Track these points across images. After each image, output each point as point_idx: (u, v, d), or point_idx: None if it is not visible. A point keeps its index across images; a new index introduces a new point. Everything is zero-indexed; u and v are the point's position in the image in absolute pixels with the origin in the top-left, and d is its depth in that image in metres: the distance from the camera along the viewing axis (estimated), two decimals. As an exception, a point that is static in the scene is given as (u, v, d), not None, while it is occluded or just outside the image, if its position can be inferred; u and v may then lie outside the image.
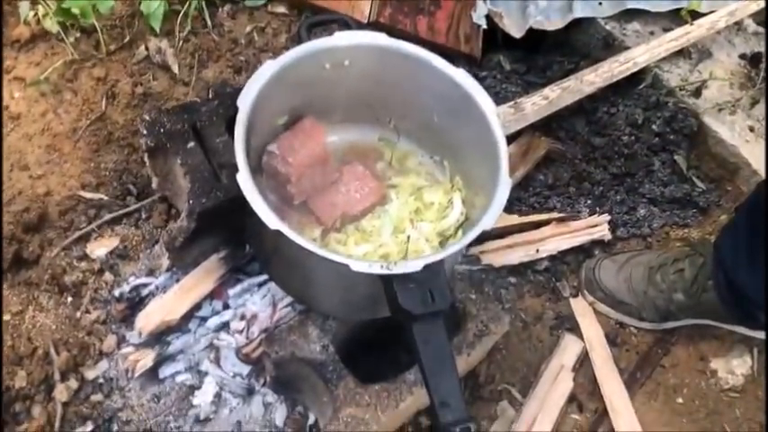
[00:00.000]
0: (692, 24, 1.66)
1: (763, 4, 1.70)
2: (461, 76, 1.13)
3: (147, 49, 1.59)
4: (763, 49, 1.72)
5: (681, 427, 1.38)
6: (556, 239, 1.54)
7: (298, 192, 1.18)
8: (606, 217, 1.59)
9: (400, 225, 1.17)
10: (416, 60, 1.15)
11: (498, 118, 1.11)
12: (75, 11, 1.51)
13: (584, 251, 1.57)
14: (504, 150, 1.08)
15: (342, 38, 1.12)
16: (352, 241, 1.15)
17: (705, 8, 1.71)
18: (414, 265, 0.94)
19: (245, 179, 0.95)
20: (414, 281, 0.94)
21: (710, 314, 1.42)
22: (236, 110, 1.05)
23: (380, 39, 1.13)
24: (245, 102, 1.03)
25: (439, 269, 0.96)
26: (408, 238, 1.13)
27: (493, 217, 1.02)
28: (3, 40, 1.53)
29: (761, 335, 1.44)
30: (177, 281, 1.30)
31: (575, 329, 1.47)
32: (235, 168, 0.99)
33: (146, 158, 1.32)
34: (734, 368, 1.44)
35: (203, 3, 1.62)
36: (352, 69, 1.16)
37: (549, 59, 1.80)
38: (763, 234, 1.22)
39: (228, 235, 1.29)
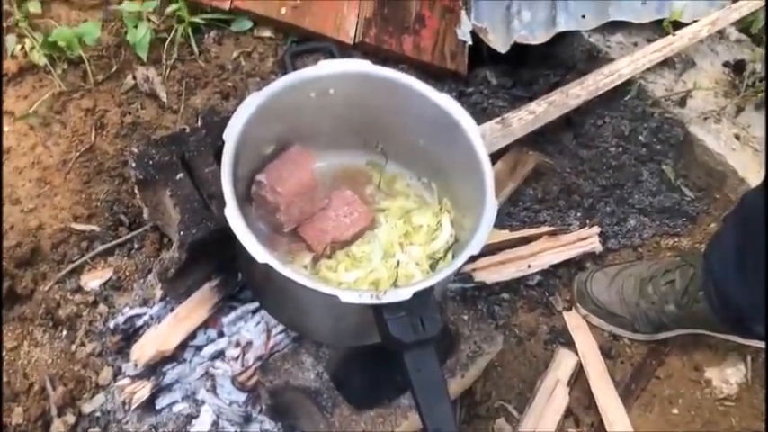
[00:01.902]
0: (674, 35, 1.68)
1: (744, 12, 1.71)
2: (445, 100, 1.14)
3: (134, 78, 1.59)
4: (746, 56, 1.73)
5: (677, 437, 1.39)
6: (547, 254, 1.55)
7: (287, 220, 1.18)
8: (596, 229, 1.60)
9: (390, 249, 1.18)
10: (400, 86, 1.16)
11: (483, 140, 1.12)
12: (62, 43, 1.52)
13: (576, 264, 1.58)
14: (489, 173, 1.09)
15: (326, 67, 1.13)
16: (343, 267, 1.15)
17: (687, 18, 1.73)
18: (403, 294, 0.95)
19: (232, 214, 0.96)
20: (403, 309, 0.95)
21: (703, 324, 1.43)
22: (223, 142, 1.06)
23: (364, 66, 1.14)
24: (231, 135, 1.04)
25: (428, 296, 0.97)
26: (398, 262, 1.14)
27: (480, 241, 1.03)
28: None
29: (754, 343, 1.45)
30: (171, 310, 1.31)
31: (569, 343, 1.47)
32: (224, 199, 1.00)
33: (136, 190, 1.32)
34: (728, 377, 1.45)
35: (189, 30, 1.62)
36: (337, 97, 1.17)
37: (534, 73, 1.82)
38: (757, 244, 1.22)
39: (220, 263, 1.30)
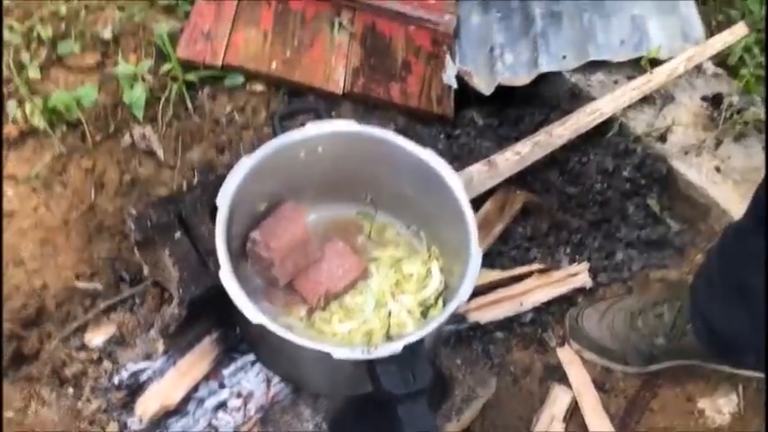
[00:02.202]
0: (652, 72, 1.73)
1: (718, 48, 1.77)
2: (426, 154, 1.19)
3: (131, 136, 1.64)
4: (724, 89, 1.78)
5: (673, 469, 1.41)
6: (539, 291, 1.59)
7: (282, 274, 1.23)
8: (586, 264, 1.64)
9: (382, 299, 1.22)
10: (384, 142, 1.21)
11: (469, 185, 1.17)
12: (61, 107, 1.58)
13: (567, 300, 1.61)
14: (472, 223, 1.14)
15: (313, 128, 1.18)
16: (337, 319, 1.19)
17: (664, 55, 1.78)
18: (393, 348, 0.99)
19: (227, 276, 1.01)
20: (395, 362, 0.98)
21: (692, 355, 1.46)
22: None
23: (349, 125, 1.20)
24: (224, 198, 1.09)
25: (419, 348, 1.01)
26: (390, 313, 1.18)
27: (467, 291, 1.07)
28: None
29: (745, 372, 1.48)
30: (174, 364, 1.34)
31: (563, 379, 1.51)
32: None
33: (136, 250, 1.37)
34: (721, 407, 1.48)
35: (183, 87, 1.68)
36: (325, 154, 1.22)
37: (520, 112, 1.87)
38: (740, 277, 1.25)
39: (220, 317, 1.33)
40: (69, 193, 1.57)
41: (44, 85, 1.65)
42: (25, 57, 1.65)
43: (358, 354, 0.97)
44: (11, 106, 1.60)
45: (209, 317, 1.32)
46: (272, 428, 1.15)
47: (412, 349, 1.00)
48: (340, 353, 0.97)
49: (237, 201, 1.11)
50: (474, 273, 1.09)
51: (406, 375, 0.98)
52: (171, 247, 1.28)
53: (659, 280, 1.66)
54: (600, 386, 1.50)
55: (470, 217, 1.14)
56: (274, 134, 1.19)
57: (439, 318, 1.06)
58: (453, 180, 1.17)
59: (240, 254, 1.24)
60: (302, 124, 1.20)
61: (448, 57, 1.88)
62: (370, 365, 0.98)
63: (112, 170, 1.61)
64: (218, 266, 1.05)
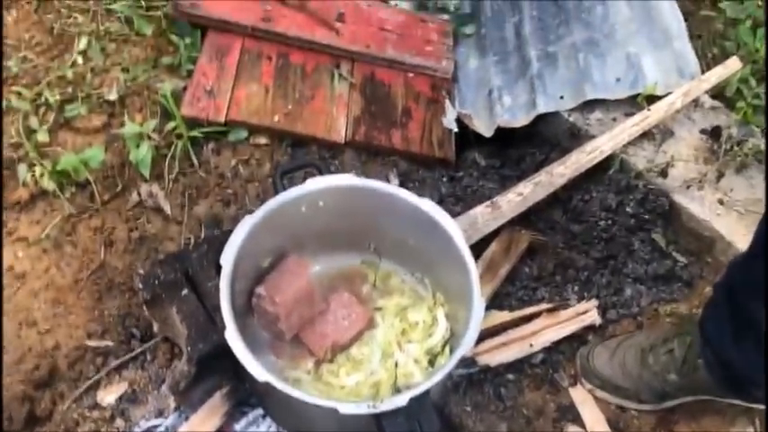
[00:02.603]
0: (649, 109, 1.75)
1: (714, 81, 1.79)
2: (426, 205, 1.21)
3: (139, 194, 1.68)
4: (722, 122, 1.80)
5: None
6: (548, 331, 1.58)
7: (288, 328, 1.24)
8: (594, 302, 1.63)
9: (388, 349, 1.23)
10: (383, 194, 1.23)
11: (465, 242, 1.18)
12: (69, 169, 1.62)
13: (577, 338, 1.60)
14: (473, 271, 1.15)
15: (313, 183, 1.21)
16: (344, 371, 1.20)
17: (661, 91, 1.80)
18: (399, 401, 0.99)
19: (232, 336, 1.02)
20: (401, 414, 0.99)
21: (706, 390, 1.44)
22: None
23: (349, 179, 1.22)
24: (227, 258, 1.11)
25: (425, 399, 1.01)
26: (396, 363, 1.18)
27: (472, 338, 1.08)
28: (3, 204, 1.62)
29: (760, 406, 1.46)
30: (186, 419, 1.35)
31: (577, 419, 1.49)
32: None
33: (144, 309, 1.39)
34: (738, 442, 1.46)
35: (188, 144, 1.72)
36: (326, 207, 1.24)
37: (521, 152, 1.89)
38: (747, 312, 1.24)
39: (229, 372, 1.34)
40: (79, 253, 1.60)
41: (53, 149, 1.69)
42: (34, 122, 1.70)
43: (364, 408, 0.98)
44: (21, 170, 1.64)
45: (219, 372, 1.33)
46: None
47: (418, 400, 1.00)
48: (346, 408, 0.97)
49: (241, 258, 1.13)
50: (478, 320, 1.10)
51: (413, 427, 0.98)
52: (178, 304, 1.30)
53: (669, 314, 1.65)
54: (614, 425, 1.49)
55: (471, 264, 1.15)
56: (276, 191, 1.21)
57: (445, 367, 1.06)
58: (453, 228, 1.18)
59: (246, 309, 1.26)
60: (303, 179, 1.22)
61: (447, 101, 1.91)
62: (377, 419, 0.99)
63: (121, 228, 1.64)
64: (224, 324, 1.07)
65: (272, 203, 1.18)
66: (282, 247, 1.27)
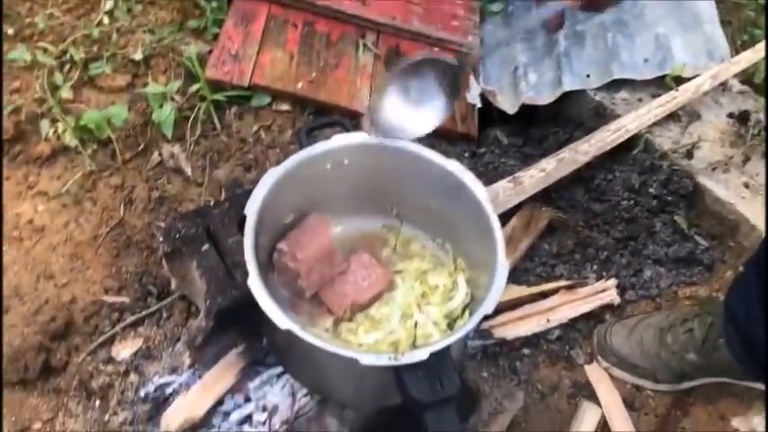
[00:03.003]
0: (677, 90, 1.73)
1: (744, 65, 1.76)
2: (452, 165, 1.20)
3: (160, 154, 1.68)
4: (750, 107, 1.77)
5: (706, 489, 1.38)
6: (566, 308, 1.57)
7: (308, 285, 1.23)
8: (613, 281, 1.62)
9: (408, 310, 1.22)
10: (409, 154, 1.22)
11: (494, 200, 1.17)
12: (92, 126, 1.62)
13: (594, 317, 1.59)
14: (498, 233, 1.13)
15: (339, 140, 1.19)
16: (363, 330, 1.19)
17: (689, 73, 1.78)
18: (420, 354, 0.98)
19: (255, 283, 1.01)
20: (422, 369, 0.98)
21: (725, 372, 1.43)
22: (245, 214, 1.12)
23: (376, 138, 1.20)
24: (252, 208, 1.10)
25: (446, 355, 1.00)
26: (416, 323, 1.18)
27: (493, 301, 1.06)
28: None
29: (780, 390, 1.45)
30: (200, 377, 1.34)
31: (592, 396, 1.48)
32: (247, 268, 1.05)
33: (164, 262, 1.38)
34: (755, 426, 1.44)
35: (211, 107, 1.71)
36: (351, 167, 1.23)
37: (544, 131, 1.87)
38: None
39: (246, 329, 1.34)
40: (99, 210, 1.60)
41: (76, 105, 1.70)
42: (58, 78, 1.70)
43: (384, 360, 0.97)
44: (44, 125, 1.65)
45: (236, 329, 1.33)
46: (297, 439, 1.15)
47: (439, 357, 0.99)
48: (367, 359, 0.96)
49: (265, 211, 1.12)
50: (501, 282, 1.08)
51: (434, 383, 0.97)
52: (198, 259, 1.30)
53: (688, 297, 1.63)
54: (629, 404, 1.47)
55: (497, 227, 1.13)
56: (301, 147, 1.20)
57: (466, 326, 1.05)
58: (479, 190, 1.17)
59: (267, 265, 1.25)
60: (328, 137, 1.21)
61: (472, 77, 1.89)
62: (397, 373, 0.98)
63: (141, 187, 1.63)
64: (245, 278, 1.06)
65: (297, 157, 1.17)
66: (305, 205, 1.26)
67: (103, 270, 1.53)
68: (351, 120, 1.74)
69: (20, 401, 1.34)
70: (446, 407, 0.96)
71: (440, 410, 0.96)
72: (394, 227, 1.37)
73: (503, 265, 1.09)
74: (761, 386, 1.46)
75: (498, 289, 1.07)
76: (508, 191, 1.65)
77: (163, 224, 1.33)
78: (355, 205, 1.33)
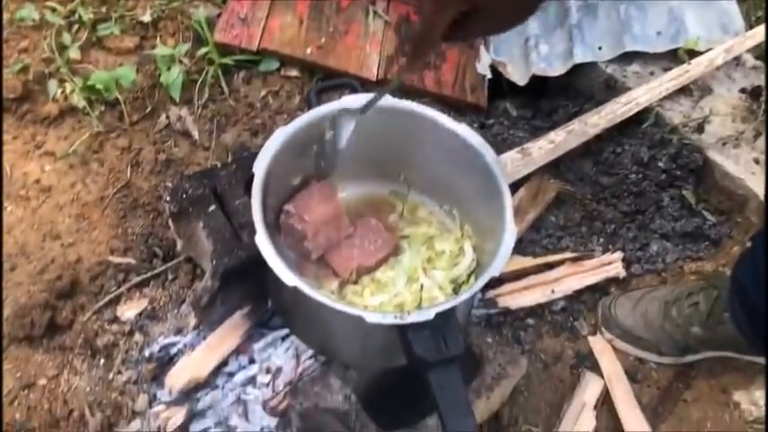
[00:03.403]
0: (689, 63, 1.71)
1: (759, 39, 1.74)
2: (463, 129, 1.19)
3: (167, 117, 1.67)
4: (763, 82, 1.76)
5: (707, 461, 1.38)
6: (571, 279, 1.57)
7: (314, 247, 1.23)
8: (619, 254, 1.61)
9: (413, 274, 1.22)
10: (420, 118, 1.21)
11: (501, 167, 1.16)
12: (100, 86, 1.61)
13: (599, 289, 1.59)
14: (508, 199, 1.13)
15: (349, 100, 1.18)
16: (368, 292, 1.19)
17: (702, 47, 1.76)
18: (426, 314, 0.98)
19: (262, 240, 1.01)
20: (427, 329, 0.98)
21: (729, 346, 1.43)
22: (253, 173, 1.11)
23: (385, 99, 1.19)
24: (260, 167, 1.09)
25: (451, 316, 1.00)
26: (422, 286, 1.18)
27: (500, 264, 1.06)
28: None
29: (784, 365, 1.45)
30: (204, 338, 1.35)
31: (594, 367, 1.48)
32: (254, 228, 1.05)
33: (170, 223, 1.38)
34: (757, 399, 1.44)
35: (219, 71, 1.70)
36: (360, 129, 1.22)
37: (553, 104, 1.86)
38: None
39: (251, 291, 1.34)
40: (105, 171, 1.60)
41: (84, 66, 1.69)
42: (66, 38, 1.69)
43: (390, 319, 0.97)
44: (51, 85, 1.64)
45: (241, 291, 1.33)
46: (301, 398, 1.15)
47: (444, 317, 0.99)
48: (373, 317, 0.96)
49: (273, 170, 1.12)
50: (508, 248, 1.08)
51: (439, 343, 0.97)
52: (205, 219, 1.29)
53: (694, 272, 1.63)
54: (632, 376, 1.47)
55: (506, 191, 1.13)
56: (309, 107, 1.19)
57: (472, 288, 1.05)
58: (489, 153, 1.16)
59: (273, 228, 1.25)
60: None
61: (482, 47, 1.88)
62: (403, 332, 0.98)
63: (148, 149, 1.63)
64: (251, 239, 1.05)
65: (306, 117, 1.16)
66: (312, 168, 1.25)
67: (109, 231, 1.53)
68: (360, 87, 1.75)
69: (25, 357, 1.35)
70: (450, 366, 0.97)
71: (444, 370, 0.96)
72: (401, 193, 1.36)
73: (511, 228, 1.09)
74: (764, 360, 1.46)
75: (506, 251, 1.06)
76: (516, 161, 1.65)
77: (170, 184, 1.32)
78: (363, 169, 1.32)
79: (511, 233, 1.09)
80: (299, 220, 1.21)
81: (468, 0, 0.79)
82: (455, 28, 0.83)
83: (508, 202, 1.12)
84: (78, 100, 1.62)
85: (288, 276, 0.98)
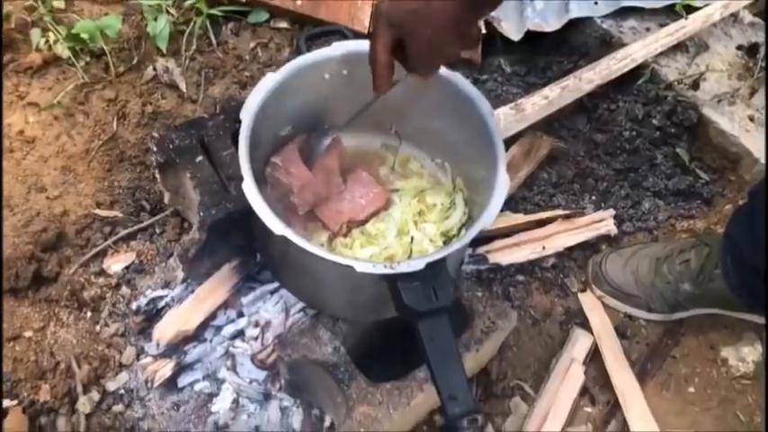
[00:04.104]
0: (686, 18, 1.68)
1: (757, -5, 1.72)
2: (458, 79, 1.16)
3: (154, 69, 1.63)
4: (761, 39, 1.73)
5: (693, 415, 1.39)
6: (562, 236, 1.56)
7: (301, 202, 1.20)
8: (611, 212, 1.61)
9: (404, 227, 1.20)
10: (413, 67, 1.17)
11: (495, 118, 1.14)
12: (84, 36, 1.57)
13: (590, 247, 1.59)
14: (501, 149, 1.11)
15: (339, 47, 1.16)
16: (358, 245, 1.18)
17: (699, 2, 1.73)
18: (416, 264, 0.97)
19: (250, 188, 0.99)
20: (417, 279, 0.96)
21: (718, 303, 1.43)
22: (240, 121, 1.08)
23: (377, 47, 1.16)
24: (247, 114, 1.07)
25: (441, 267, 0.99)
26: (412, 239, 1.16)
27: (492, 214, 1.04)
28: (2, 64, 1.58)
29: (771, 321, 1.45)
30: (192, 292, 1.33)
31: (584, 324, 1.48)
32: (242, 180, 1.03)
33: (157, 174, 1.36)
34: (744, 356, 1.45)
35: (207, 22, 1.66)
36: (350, 78, 1.19)
37: (548, 60, 1.83)
38: None
39: (239, 244, 1.32)
40: (91, 123, 1.56)
41: (68, 15, 1.65)
42: (50, -15, 1.64)
43: (380, 269, 0.95)
44: (34, 34, 1.60)
45: (229, 243, 1.31)
46: (289, 350, 1.14)
47: (435, 268, 0.97)
48: (363, 267, 0.95)
49: (260, 119, 1.09)
50: (500, 198, 1.06)
51: (429, 293, 0.96)
52: (192, 170, 1.27)
53: (685, 230, 1.62)
54: (621, 333, 1.48)
55: (499, 142, 1.11)
56: (300, 54, 1.16)
57: (463, 238, 1.04)
58: (483, 104, 1.14)
59: (261, 181, 1.22)
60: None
61: (476, 1, 1.83)
62: (392, 282, 0.97)
63: (134, 102, 1.60)
64: (239, 191, 1.03)
65: (295, 63, 1.13)
66: (302, 118, 1.23)
67: (96, 184, 1.50)
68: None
69: (11, 309, 1.33)
70: (440, 316, 0.96)
71: (434, 320, 0.95)
72: (393, 146, 1.34)
73: (503, 178, 1.07)
74: (752, 318, 1.46)
75: (498, 201, 1.05)
76: (510, 117, 1.62)
77: (157, 134, 1.30)
78: (354, 122, 1.30)
79: (503, 183, 1.08)
80: (285, 173, 1.19)
81: (397, 28, 0.92)
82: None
83: (501, 153, 1.10)
84: (62, 50, 1.58)
85: (276, 225, 0.96)
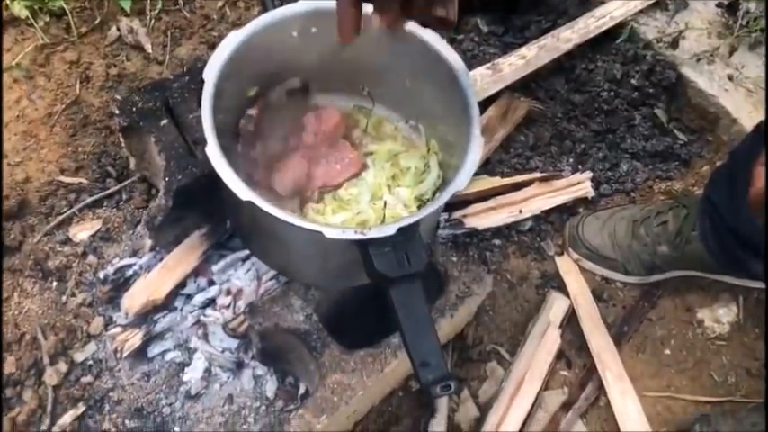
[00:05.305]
0: (666, -25, 1.65)
1: (738, -49, 1.68)
2: (431, 37, 1.12)
3: (118, 29, 1.57)
4: (740, -3, 1.70)
5: (669, 377, 1.39)
6: (539, 199, 1.54)
7: (262, 151, 1.15)
8: (588, 174, 1.59)
9: (377, 191, 1.17)
10: (384, 24, 1.13)
11: (470, 78, 1.10)
12: (43, -6, 1.50)
13: (567, 210, 1.57)
14: (475, 109, 1.07)
15: (306, 4, 1.11)
16: (330, 210, 1.14)
17: (680, -42, 1.70)
18: (388, 229, 0.93)
19: (213, 150, 0.95)
20: (389, 245, 0.94)
21: (696, 265, 1.43)
22: (203, 80, 1.04)
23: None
24: (210, 73, 1.02)
25: (414, 232, 0.96)
26: (385, 203, 1.13)
27: (466, 176, 1.01)
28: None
29: (747, 283, 1.45)
30: (161, 260, 1.30)
31: (561, 287, 1.47)
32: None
33: (121, 139, 1.31)
34: (720, 317, 1.45)
35: (173, -20, 1.60)
36: (320, 36, 1.14)
37: (526, 19, 1.79)
38: None
39: (208, 211, 1.29)
40: (53, 86, 1.51)
41: (25, -28, 1.57)
42: (4, -59, 1.56)
43: (351, 234, 0.92)
44: (-11, -7, 1.52)
45: (197, 210, 1.28)
46: (260, 318, 1.12)
47: (407, 233, 0.95)
48: (332, 233, 0.92)
49: (225, 79, 1.04)
50: (474, 159, 1.03)
51: (401, 259, 0.93)
52: (157, 134, 1.23)
53: (663, 192, 1.61)
54: (598, 296, 1.47)
55: (474, 102, 1.07)
56: (266, 11, 1.11)
57: (437, 201, 1.01)
58: (456, 62, 1.10)
59: (228, 146, 1.18)
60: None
61: (452, -42, 1.78)
62: (364, 248, 0.94)
63: (98, 64, 1.54)
64: (205, 154, 0.99)
65: (262, 20, 1.08)
66: (270, 78, 1.18)
67: (59, 150, 1.45)
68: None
69: (-27, 280, 1.29)
70: (412, 282, 0.93)
71: (406, 286, 0.93)
72: (365, 108, 1.30)
73: (477, 137, 1.04)
74: (729, 279, 1.46)
75: (472, 162, 1.01)
76: (486, 78, 1.59)
77: (119, 97, 1.25)
78: (324, 82, 1.25)
79: (478, 143, 1.04)
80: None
81: None
82: None
83: (476, 113, 1.07)
84: (20, 9, 1.52)
85: (241, 190, 0.93)
